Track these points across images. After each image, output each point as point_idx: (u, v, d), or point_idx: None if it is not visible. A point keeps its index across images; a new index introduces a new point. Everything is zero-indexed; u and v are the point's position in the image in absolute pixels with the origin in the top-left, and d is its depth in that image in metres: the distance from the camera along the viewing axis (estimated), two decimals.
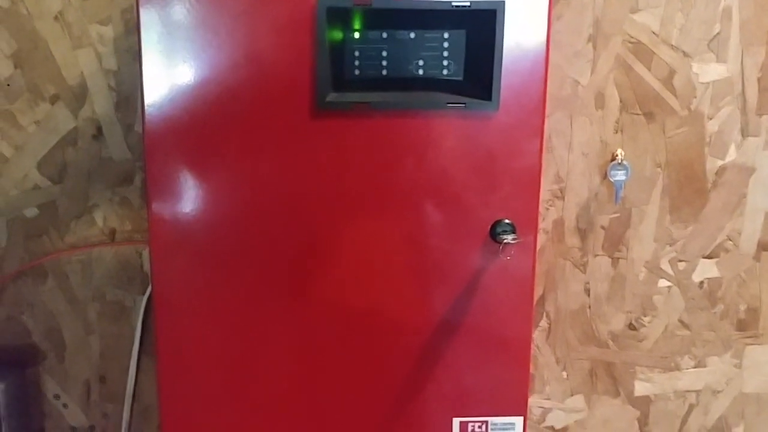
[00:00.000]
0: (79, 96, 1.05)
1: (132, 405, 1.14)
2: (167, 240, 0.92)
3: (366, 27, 0.94)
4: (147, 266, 1.10)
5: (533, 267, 0.97)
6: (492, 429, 1.02)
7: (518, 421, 1.02)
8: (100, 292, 1.11)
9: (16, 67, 1.04)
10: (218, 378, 0.97)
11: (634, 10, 1.06)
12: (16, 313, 1.11)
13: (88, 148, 1.06)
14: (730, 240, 1.15)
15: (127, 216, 1.09)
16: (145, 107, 0.88)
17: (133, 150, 1.07)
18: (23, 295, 1.11)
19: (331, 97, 0.91)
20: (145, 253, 1.10)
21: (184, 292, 0.94)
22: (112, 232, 1.09)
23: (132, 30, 1.03)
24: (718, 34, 1.07)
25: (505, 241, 0.92)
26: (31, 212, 1.08)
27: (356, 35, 0.95)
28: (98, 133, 1.06)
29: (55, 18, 1.02)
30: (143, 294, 1.11)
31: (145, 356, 1.13)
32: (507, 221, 0.95)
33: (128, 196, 1.08)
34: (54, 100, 1.05)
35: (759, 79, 1.09)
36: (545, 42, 0.91)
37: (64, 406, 1.15)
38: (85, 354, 1.13)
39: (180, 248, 0.93)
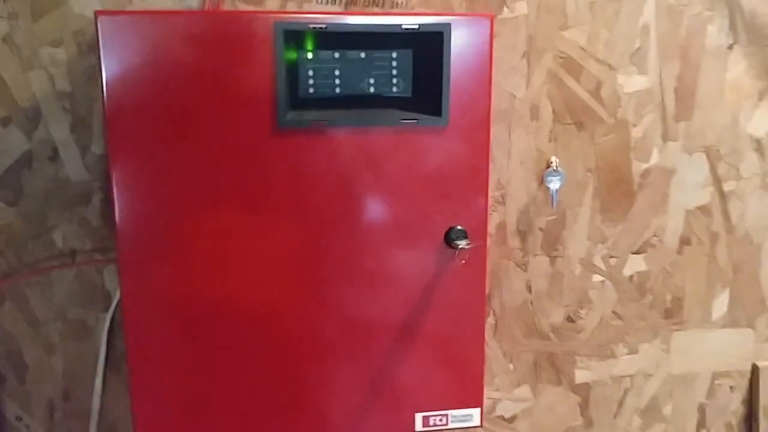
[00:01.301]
0: (32, 118, 1.05)
1: (98, 422, 1.15)
2: (134, 254, 0.95)
3: (319, 48, 1.00)
4: (108, 284, 1.12)
5: (485, 269, 1.05)
6: (452, 421, 1.09)
7: (475, 412, 1.10)
8: (62, 312, 1.12)
9: None
10: (190, 387, 1.00)
11: (564, 27, 1.15)
12: None
13: (44, 169, 1.07)
14: (656, 236, 1.26)
15: (87, 235, 1.10)
16: (108, 128, 0.91)
17: (90, 170, 1.08)
18: None
19: (291, 115, 0.95)
20: (107, 271, 1.11)
21: (152, 307, 0.97)
22: (73, 252, 1.10)
23: (85, 51, 1.04)
24: (638, 48, 1.18)
25: (459, 246, 0.99)
26: None
27: (310, 56, 1.00)
28: (54, 155, 1.07)
29: (3, 40, 1.03)
30: (106, 311, 1.12)
31: (110, 373, 1.15)
32: (459, 228, 1.02)
33: (87, 216, 1.09)
34: (6, 122, 1.05)
35: (675, 89, 1.20)
36: (488, 60, 0.99)
37: (27, 427, 1.15)
38: (47, 374, 1.13)
39: (147, 262, 0.95)
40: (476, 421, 1.10)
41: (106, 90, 0.90)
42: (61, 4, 1.02)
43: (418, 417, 1.08)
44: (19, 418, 1.15)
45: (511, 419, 1.30)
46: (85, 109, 1.06)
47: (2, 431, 1.15)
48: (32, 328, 1.12)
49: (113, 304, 1.12)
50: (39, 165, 1.07)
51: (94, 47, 1.04)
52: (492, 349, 1.26)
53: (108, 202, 1.09)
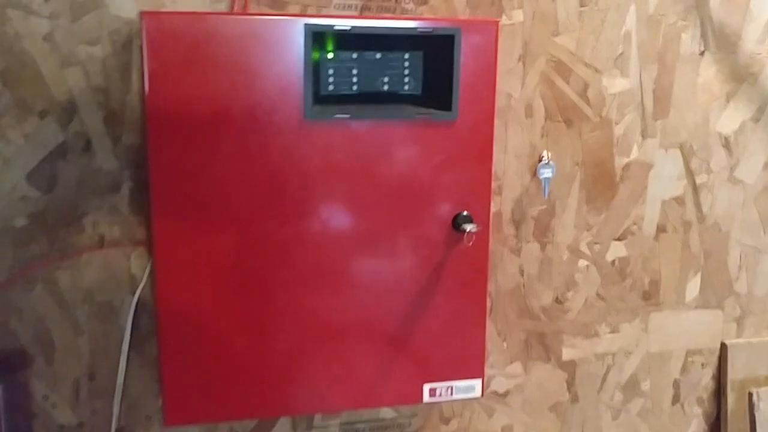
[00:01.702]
0: (68, 111, 1.12)
1: (121, 401, 1.22)
2: (169, 235, 1.04)
3: (339, 49, 1.09)
4: (134, 268, 1.19)
5: (487, 251, 1.15)
6: (456, 391, 1.19)
7: (477, 383, 1.20)
8: (90, 294, 1.18)
9: (4, 84, 1.10)
10: (217, 362, 1.08)
11: (556, 34, 1.27)
12: (4, 320, 1.16)
13: (78, 160, 1.13)
14: (635, 224, 1.38)
15: (115, 222, 1.17)
16: (149, 120, 0.99)
17: (121, 160, 1.15)
18: (11, 302, 1.16)
19: (316, 109, 1.05)
20: (133, 256, 1.18)
21: (183, 284, 1.05)
22: (101, 238, 1.17)
23: (120, 50, 1.11)
24: (621, 53, 1.30)
25: (468, 230, 1.09)
26: (20, 222, 1.14)
27: (331, 56, 1.10)
28: (87, 146, 1.13)
29: (44, 38, 1.09)
30: (132, 294, 1.19)
31: (133, 353, 1.21)
32: (465, 213, 1.12)
33: (116, 204, 1.16)
34: (43, 115, 1.11)
35: (654, 91, 1.33)
36: (494, 60, 1.09)
37: (53, 406, 1.21)
38: (74, 354, 1.19)
39: (180, 243, 1.04)
40: (477, 392, 1.20)
41: (149, 83, 0.99)
42: (100, 6, 1.09)
43: (426, 388, 1.17)
44: (45, 397, 1.21)
45: (505, 394, 1.40)
46: (118, 103, 1.13)
47: (29, 410, 1.21)
48: (61, 310, 1.18)
49: (139, 287, 1.19)
50: (73, 155, 1.13)
51: (128, 46, 1.11)
52: (487, 328, 1.36)
53: (137, 191, 1.16)
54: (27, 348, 1.18)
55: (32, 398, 1.20)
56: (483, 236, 1.13)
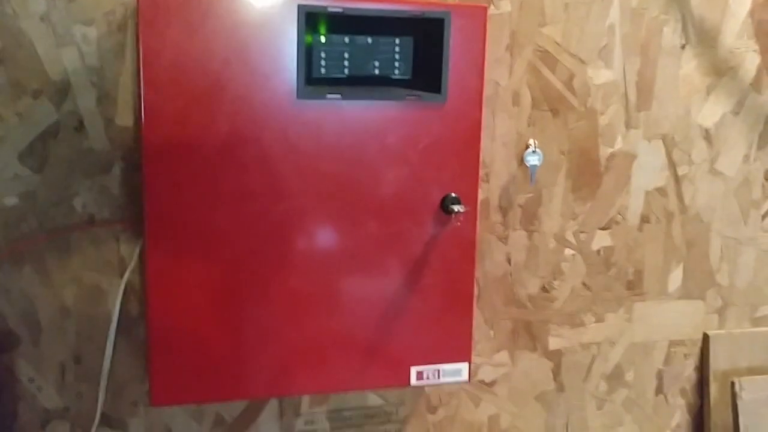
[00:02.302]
0: (62, 91, 1.13)
1: (107, 385, 1.21)
2: (161, 214, 1.04)
3: (332, 33, 1.11)
4: (123, 250, 1.19)
5: (475, 233, 1.16)
6: (443, 374, 1.19)
7: (464, 366, 1.20)
8: (78, 276, 1.18)
9: None
10: (206, 347, 1.09)
11: (542, 24, 1.30)
12: None
13: (70, 139, 1.14)
14: (620, 214, 1.41)
15: (106, 203, 1.17)
16: (145, 98, 1.00)
17: (113, 141, 1.15)
18: None
19: (308, 89, 1.06)
20: (123, 238, 1.18)
21: (174, 266, 1.06)
22: (91, 218, 1.17)
23: (114, 31, 1.12)
24: (605, 45, 1.33)
25: (456, 210, 1.11)
26: (10, 201, 1.14)
27: (323, 40, 1.11)
28: (80, 126, 1.14)
29: (41, 18, 1.10)
30: (120, 277, 1.19)
31: (120, 337, 1.21)
32: (453, 195, 1.14)
33: (107, 185, 1.17)
34: (37, 94, 1.12)
35: (637, 82, 1.36)
36: (482, 44, 1.11)
37: (38, 389, 1.20)
38: (61, 336, 1.19)
39: (173, 222, 1.05)
40: (464, 376, 1.20)
41: (143, 61, 0.99)
42: None
43: (413, 370, 1.18)
44: (31, 380, 1.20)
45: (491, 383, 1.41)
46: (111, 83, 1.14)
47: (15, 392, 1.20)
48: (49, 291, 1.18)
49: (128, 270, 1.19)
50: (65, 135, 1.14)
51: (122, 27, 1.12)
52: (474, 316, 1.37)
53: (128, 172, 1.16)
54: (14, 329, 1.18)
55: (18, 381, 1.20)
56: (471, 218, 1.15)
